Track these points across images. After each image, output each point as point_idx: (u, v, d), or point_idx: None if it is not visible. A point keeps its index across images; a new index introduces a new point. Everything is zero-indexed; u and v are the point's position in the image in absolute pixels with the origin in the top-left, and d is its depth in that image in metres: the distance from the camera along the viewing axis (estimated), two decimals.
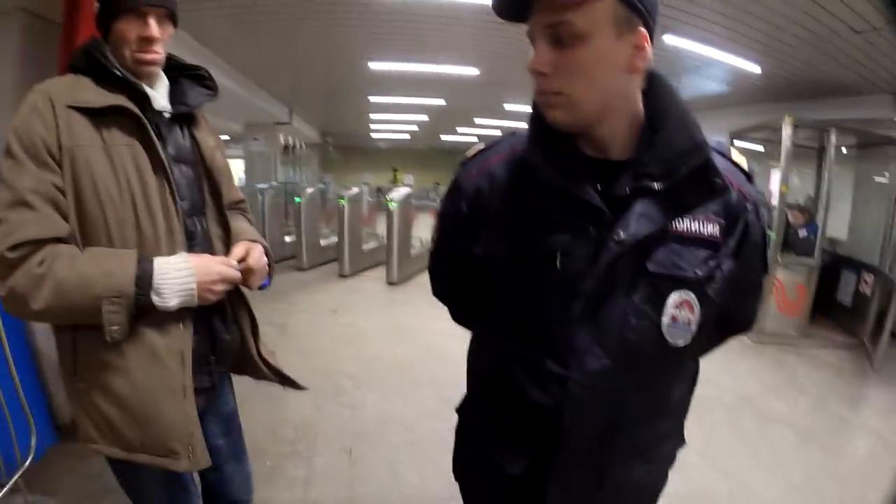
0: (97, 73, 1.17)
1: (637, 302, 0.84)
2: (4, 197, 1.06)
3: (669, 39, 5.55)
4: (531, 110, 0.90)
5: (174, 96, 1.30)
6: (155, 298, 1.12)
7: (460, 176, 1.01)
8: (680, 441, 1.04)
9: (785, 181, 5.40)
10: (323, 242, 8.54)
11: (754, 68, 6.12)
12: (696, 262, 0.85)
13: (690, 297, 0.85)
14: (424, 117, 13.76)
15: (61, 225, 1.09)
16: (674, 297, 0.84)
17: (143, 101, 1.19)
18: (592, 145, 0.87)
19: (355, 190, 7.92)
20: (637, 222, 0.82)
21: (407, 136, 19.14)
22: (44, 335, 2.88)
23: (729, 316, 0.97)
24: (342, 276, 7.46)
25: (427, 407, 3.43)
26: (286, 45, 6.50)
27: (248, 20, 5.41)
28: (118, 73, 1.16)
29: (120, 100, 1.15)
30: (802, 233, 5.69)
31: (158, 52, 1.21)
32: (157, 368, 1.16)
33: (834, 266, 6.19)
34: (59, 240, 1.09)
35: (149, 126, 1.16)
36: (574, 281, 0.84)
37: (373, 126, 16.37)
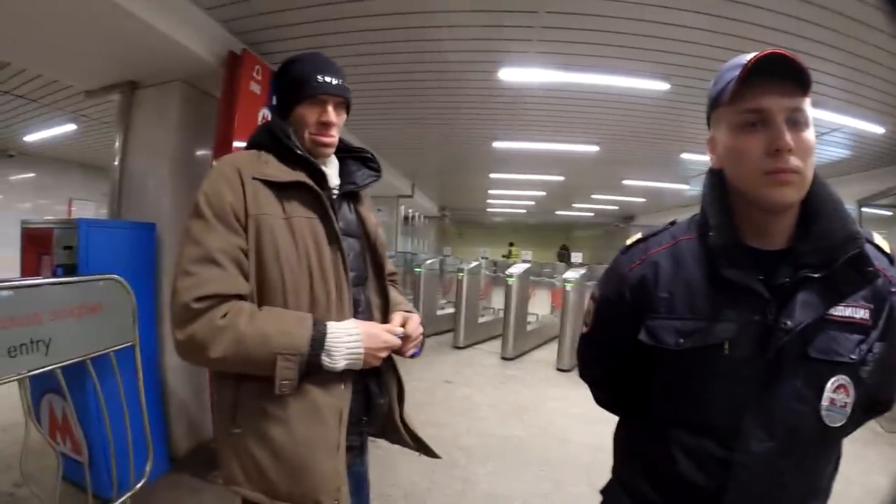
0: (279, 151, 1.32)
1: (799, 386, 0.88)
2: (194, 253, 1.17)
3: None
4: (713, 198, 0.96)
5: (342, 176, 1.45)
6: (325, 359, 1.21)
7: (622, 264, 1.06)
8: None
9: None
10: (438, 313, 8.72)
11: (877, 129, 5.66)
12: (851, 347, 0.88)
13: (846, 380, 0.88)
14: (542, 193, 13.91)
15: (243, 284, 1.20)
16: (832, 381, 0.88)
17: (321, 178, 1.33)
18: (760, 233, 0.93)
19: (474, 263, 8.10)
20: (801, 311, 0.87)
21: (523, 211, 19.38)
22: (175, 374, 3.18)
23: (874, 395, 0.96)
24: (457, 347, 7.54)
25: (540, 488, 3.34)
26: (415, 125, 6.96)
27: (385, 101, 5.89)
28: (300, 152, 1.31)
29: (301, 176, 1.29)
30: None
31: (334, 136, 1.38)
32: (316, 423, 1.23)
33: None
34: (240, 297, 1.19)
35: (327, 202, 1.30)
36: (740, 367, 0.89)
37: (491, 201, 16.76)
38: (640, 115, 5.98)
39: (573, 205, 16.70)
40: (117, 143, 3.66)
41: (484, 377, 6.10)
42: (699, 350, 0.91)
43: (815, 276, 0.87)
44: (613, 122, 6.38)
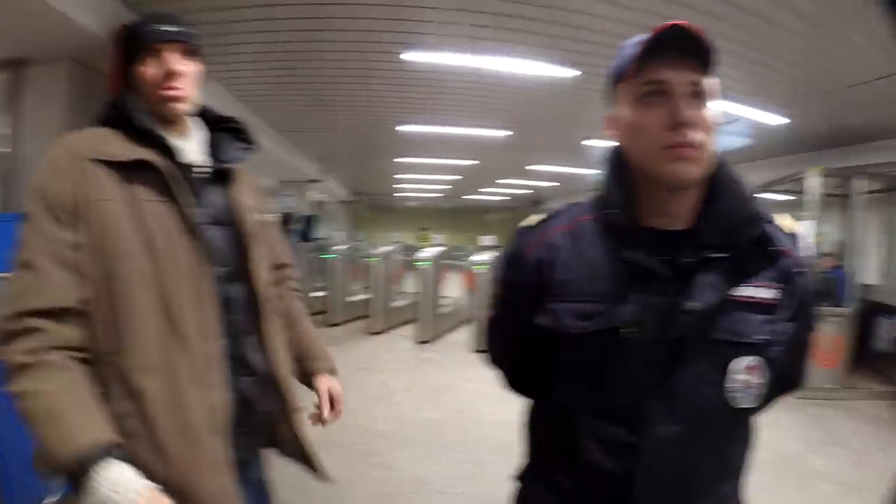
0: (124, 125, 1.11)
1: (704, 369, 0.86)
2: (16, 259, 1.00)
3: None
4: (612, 176, 0.93)
5: (211, 151, 1.23)
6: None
7: (521, 245, 1.01)
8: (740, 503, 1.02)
9: (817, 232, 5.36)
10: (352, 299, 8.58)
11: (779, 121, 6.16)
12: (758, 328, 0.87)
13: (755, 360, 0.87)
14: (458, 177, 14.00)
15: (68, 291, 1.00)
16: (739, 363, 0.87)
17: (171, 154, 1.12)
18: (661, 213, 0.90)
19: (386, 248, 8.01)
20: (704, 292, 0.84)
21: (439, 195, 19.40)
22: None
23: (784, 375, 0.97)
24: (372, 332, 7.46)
25: (460, 469, 3.37)
26: (318, 107, 6.77)
27: (283, 82, 5.66)
28: (142, 124, 1.10)
29: (146, 154, 1.08)
30: (829, 276, 5.64)
31: (182, 87, 1.13)
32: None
33: (867, 312, 6.00)
34: (64, 310, 0.99)
35: (177, 183, 1.09)
36: (643, 350, 0.86)
37: (399, 185, 16.69)
38: (546, 103, 6.11)
39: (486, 189, 16.97)
40: (7, 129, 3.35)
41: (399, 361, 6.07)
42: (600, 333, 0.88)
43: (718, 256, 0.85)
44: (524, 107, 6.48)
